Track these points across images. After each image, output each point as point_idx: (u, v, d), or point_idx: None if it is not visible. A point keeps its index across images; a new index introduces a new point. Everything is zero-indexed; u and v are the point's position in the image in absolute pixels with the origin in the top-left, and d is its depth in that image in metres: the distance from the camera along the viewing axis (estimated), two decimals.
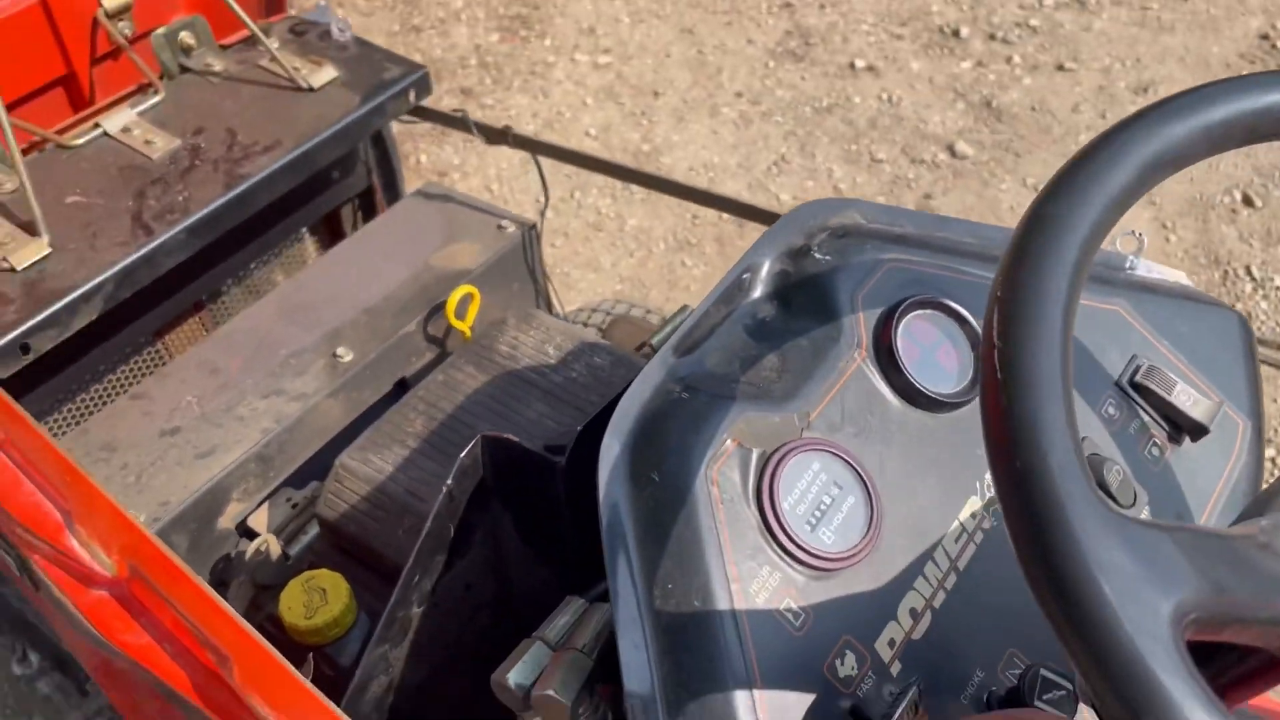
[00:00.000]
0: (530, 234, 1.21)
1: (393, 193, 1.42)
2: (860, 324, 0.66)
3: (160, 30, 1.12)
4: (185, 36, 1.14)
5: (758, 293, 0.68)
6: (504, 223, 1.21)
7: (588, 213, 2.64)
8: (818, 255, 0.69)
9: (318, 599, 0.85)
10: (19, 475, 0.82)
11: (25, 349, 0.91)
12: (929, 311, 0.67)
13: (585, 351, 1.02)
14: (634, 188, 2.69)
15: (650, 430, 0.61)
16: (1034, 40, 3.08)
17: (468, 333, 1.14)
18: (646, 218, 2.62)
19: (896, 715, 0.56)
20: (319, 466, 1.07)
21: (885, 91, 2.95)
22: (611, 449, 0.60)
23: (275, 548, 0.98)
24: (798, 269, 0.68)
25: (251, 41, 1.17)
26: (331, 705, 0.62)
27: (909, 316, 0.66)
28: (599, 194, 2.66)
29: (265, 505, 1.03)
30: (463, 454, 0.71)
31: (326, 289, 1.14)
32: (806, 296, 0.67)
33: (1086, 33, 3.12)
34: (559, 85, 3.05)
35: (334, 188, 1.27)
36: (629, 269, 2.51)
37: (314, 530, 1.00)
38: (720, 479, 0.59)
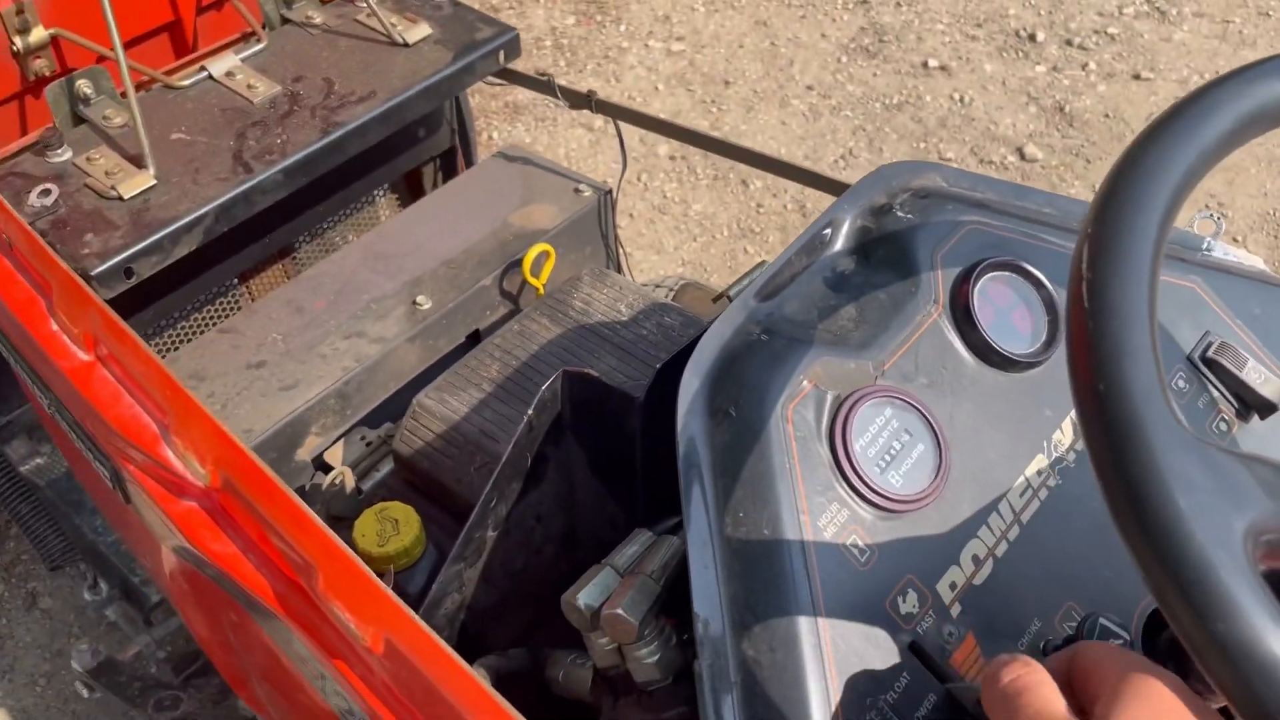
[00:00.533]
0: (606, 199, 1.24)
1: (468, 160, 1.46)
2: (938, 281, 0.68)
3: None
4: None
5: (838, 246, 0.70)
6: (581, 186, 1.24)
7: (653, 195, 2.67)
8: (899, 214, 0.71)
9: (390, 528, 0.89)
10: (120, 389, 0.87)
11: (129, 273, 0.95)
12: (1006, 274, 0.69)
13: (656, 311, 1.04)
14: (700, 172, 2.71)
15: (729, 368, 0.63)
16: (1111, 48, 3.05)
17: (541, 289, 1.17)
18: (712, 204, 2.64)
19: (953, 648, 0.58)
20: (393, 408, 1.11)
21: (957, 92, 2.94)
22: (691, 384, 0.63)
23: (350, 481, 1.02)
24: (879, 225, 0.70)
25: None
26: (411, 613, 0.65)
27: (986, 277, 0.68)
28: (665, 178, 2.69)
29: (341, 441, 1.07)
30: (544, 387, 0.74)
31: (409, 240, 1.18)
32: (886, 252, 0.69)
33: (1166, 43, 3.08)
34: (631, 70, 3.08)
35: (419, 145, 1.31)
36: (692, 253, 2.54)
37: (387, 467, 1.04)
38: (795, 417, 0.62)
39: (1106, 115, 2.84)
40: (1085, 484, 0.67)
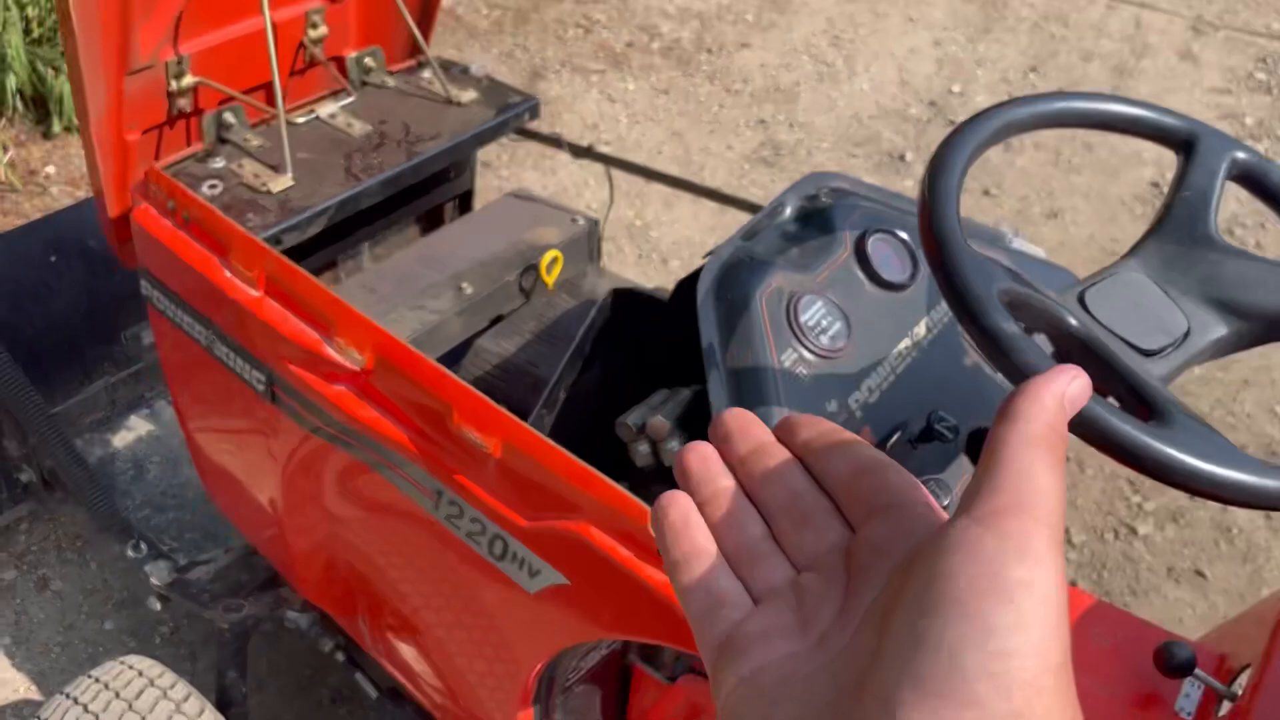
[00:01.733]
0: (594, 227, 1.67)
1: (473, 203, 1.88)
2: (847, 238, 1.13)
3: (353, 54, 1.59)
4: (368, 60, 1.60)
5: (787, 215, 1.14)
6: (576, 217, 1.67)
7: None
8: (823, 199, 1.16)
9: None
10: (286, 313, 1.24)
11: (278, 241, 1.33)
12: (887, 235, 1.14)
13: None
14: (647, 217, 3.18)
15: (727, 274, 1.06)
16: None
17: (550, 283, 1.58)
18: (681, 228, 3.09)
19: (857, 434, 1.00)
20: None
21: None
22: (705, 281, 1.05)
23: None
24: (811, 204, 1.15)
25: (410, 69, 1.64)
26: (522, 423, 1.04)
27: (875, 236, 1.13)
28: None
29: None
30: (601, 299, 1.15)
31: (451, 247, 1.58)
32: (817, 220, 1.14)
33: (1010, 167, 3.72)
34: (565, 168, 3.55)
35: (448, 184, 1.72)
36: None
37: None
38: (767, 302, 1.04)
39: None
40: (934, 353, 1.11)
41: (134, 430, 2.11)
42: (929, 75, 4.24)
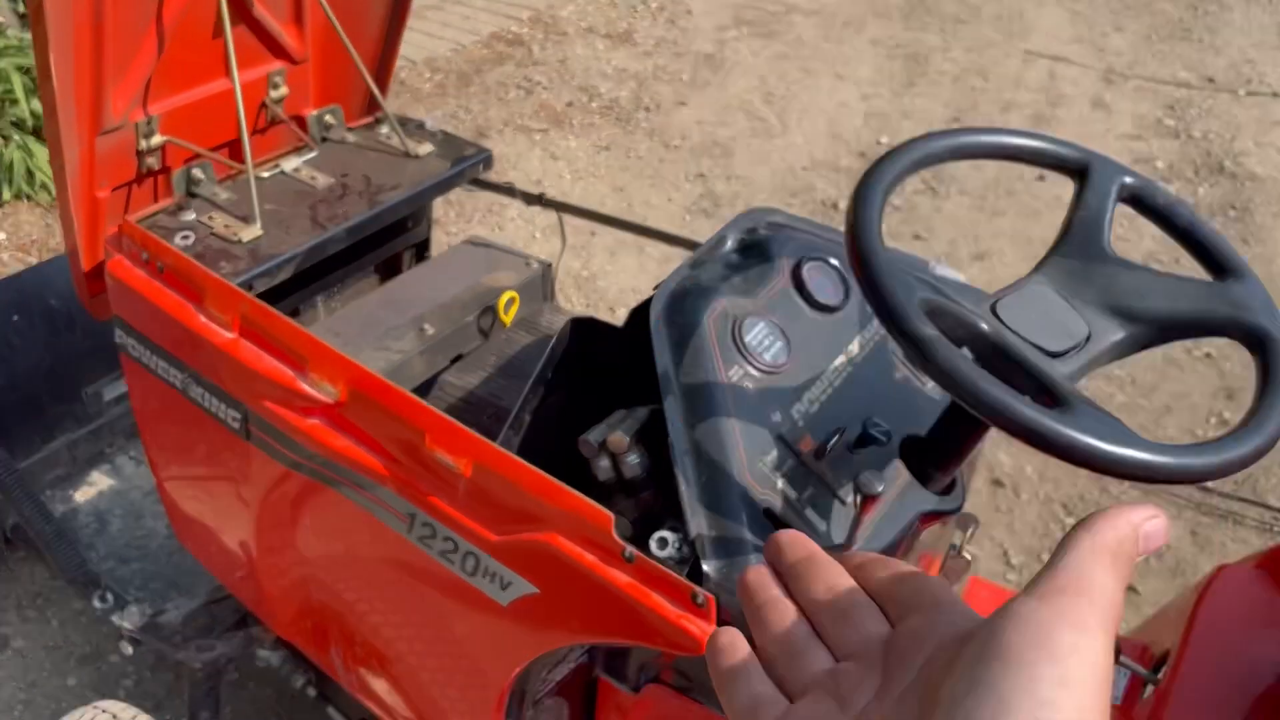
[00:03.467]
0: (548, 270, 1.76)
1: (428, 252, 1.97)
2: (785, 266, 1.23)
3: (314, 112, 1.67)
4: (328, 118, 1.69)
5: (729, 247, 1.25)
6: (530, 261, 1.76)
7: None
8: (762, 232, 1.26)
9: None
10: (260, 352, 1.31)
11: (249, 287, 1.40)
12: (820, 262, 1.24)
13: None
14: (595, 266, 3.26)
15: (676, 301, 1.16)
16: (897, 215, 3.84)
17: (508, 322, 1.67)
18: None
19: (799, 440, 1.10)
20: None
21: None
22: (656, 307, 1.15)
23: None
24: (750, 237, 1.25)
25: (369, 126, 1.73)
26: (491, 443, 1.12)
27: (809, 263, 1.23)
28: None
29: None
30: (560, 328, 1.23)
31: (411, 291, 1.66)
32: (756, 250, 1.24)
33: (938, 213, 3.89)
34: (512, 222, 3.66)
35: (407, 234, 1.81)
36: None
37: None
38: (715, 324, 1.14)
39: None
40: (867, 368, 1.21)
41: (95, 485, 2.14)
42: (858, 128, 4.42)
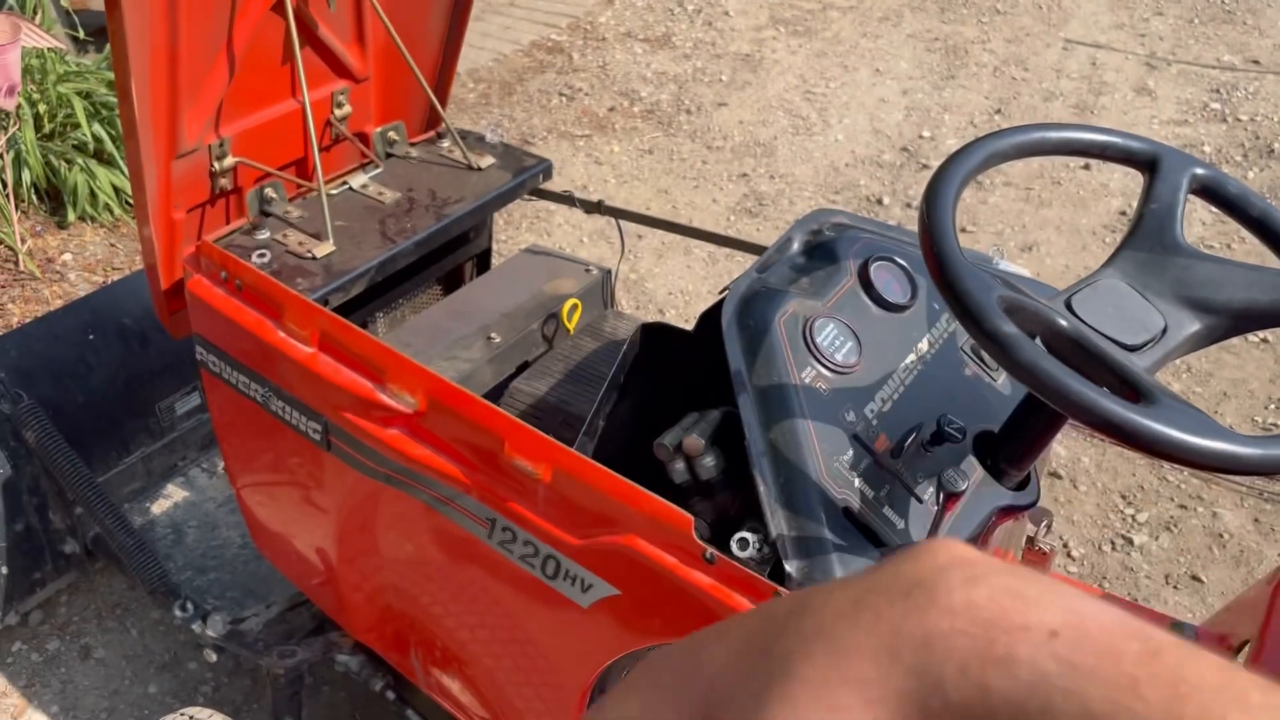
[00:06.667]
0: (608, 277, 1.79)
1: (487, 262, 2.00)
2: (852, 266, 1.25)
3: (378, 129, 1.71)
4: (392, 134, 1.73)
5: (795, 249, 1.26)
6: (590, 268, 1.79)
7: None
8: (826, 233, 1.28)
9: None
10: (339, 365, 1.35)
11: (325, 301, 1.43)
12: (887, 261, 1.26)
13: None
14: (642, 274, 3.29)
15: (747, 304, 1.18)
16: None
17: (571, 329, 1.69)
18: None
19: (874, 439, 1.11)
20: None
21: None
22: (728, 311, 1.17)
23: None
24: (815, 238, 1.27)
25: (431, 140, 1.77)
26: (569, 449, 1.15)
27: (876, 263, 1.25)
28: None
29: None
30: (631, 334, 1.26)
31: (476, 301, 1.69)
32: (822, 252, 1.26)
33: (983, 205, 3.88)
34: (559, 227, 3.69)
35: (469, 245, 1.84)
36: None
37: None
38: (785, 325, 1.16)
39: None
40: (936, 365, 1.23)
41: (170, 498, 2.20)
42: (899, 123, 4.42)
